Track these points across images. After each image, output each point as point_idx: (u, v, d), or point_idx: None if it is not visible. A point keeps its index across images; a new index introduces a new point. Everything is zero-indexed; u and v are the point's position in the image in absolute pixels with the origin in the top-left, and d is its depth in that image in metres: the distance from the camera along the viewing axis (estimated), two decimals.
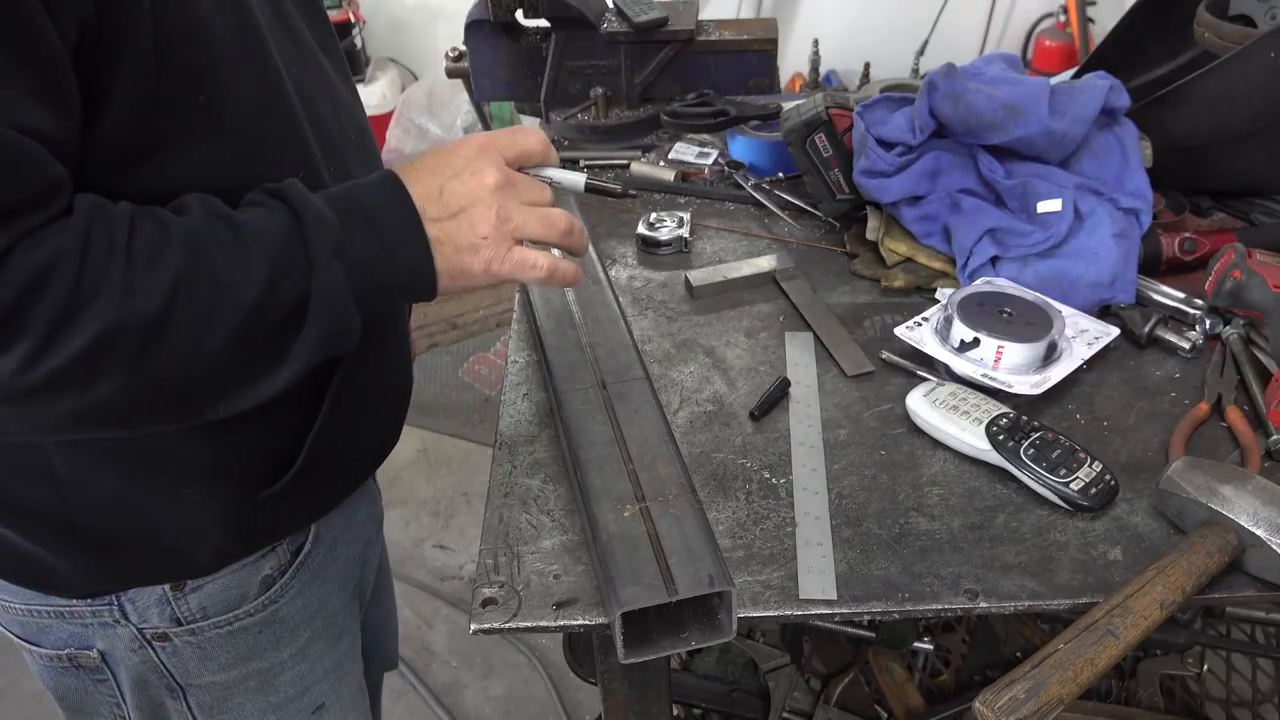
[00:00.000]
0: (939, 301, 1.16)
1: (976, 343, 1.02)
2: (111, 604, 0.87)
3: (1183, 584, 0.79)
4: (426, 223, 0.73)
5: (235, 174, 0.73)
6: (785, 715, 1.37)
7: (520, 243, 0.78)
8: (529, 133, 0.81)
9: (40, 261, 0.60)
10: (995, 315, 1.04)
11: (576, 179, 0.85)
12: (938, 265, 1.21)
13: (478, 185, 0.75)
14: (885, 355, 1.09)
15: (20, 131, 0.59)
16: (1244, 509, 0.82)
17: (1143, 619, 0.76)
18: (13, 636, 0.93)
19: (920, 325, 1.08)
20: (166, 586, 0.87)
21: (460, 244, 0.75)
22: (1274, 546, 0.80)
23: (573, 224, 0.81)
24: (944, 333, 1.06)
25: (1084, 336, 1.07)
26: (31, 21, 0.58)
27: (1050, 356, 1.03)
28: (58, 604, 0.88)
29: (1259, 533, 0.80)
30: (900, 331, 1.08)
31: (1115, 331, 1.08)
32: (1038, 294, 1.08)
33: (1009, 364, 1.01)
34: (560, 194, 0.86)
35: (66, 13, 0.60)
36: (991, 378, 1.01)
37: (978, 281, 1.15)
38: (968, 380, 1.02)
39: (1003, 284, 1.13)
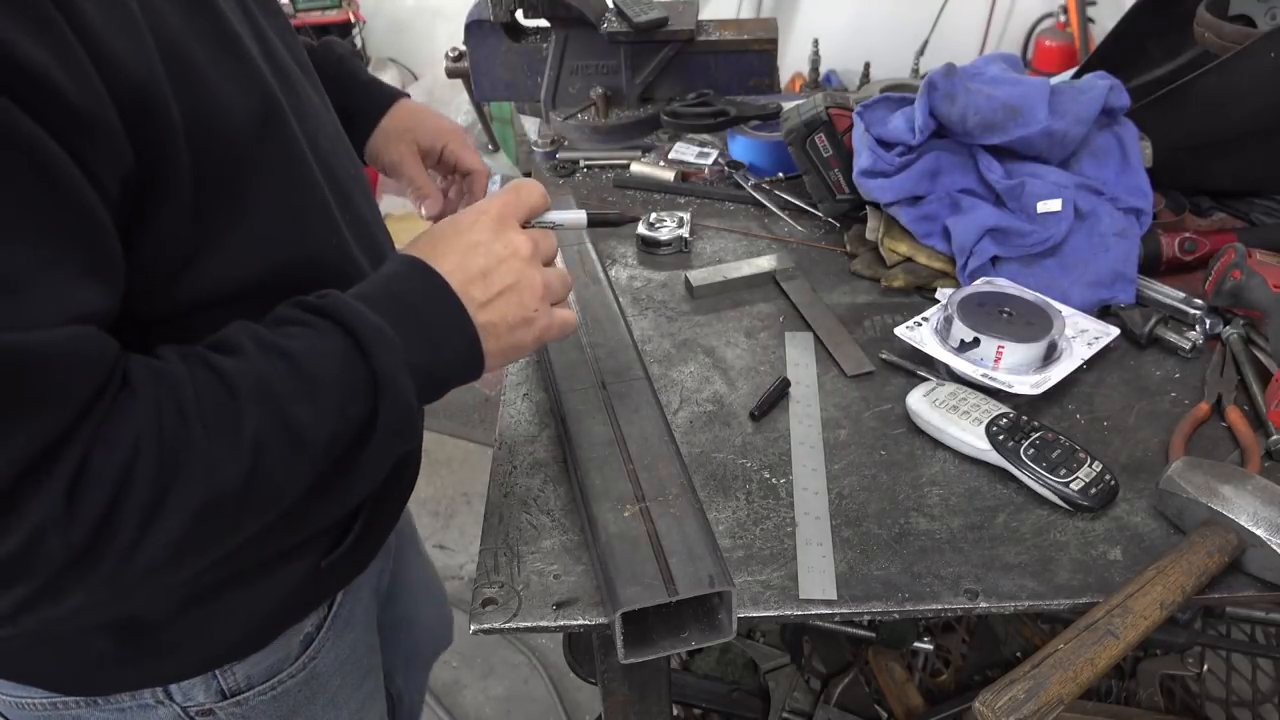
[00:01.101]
0: (939, 301, 1.16)
1: (976, 343, 1.02)
2: (155, 688, 0.84)
3: (1183, 584, 0.79)
4: (473, 309, 0.72)
5: (266, 255, 0.71)
6: (785, 715, 1.37)
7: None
8: (529, 186, 0.80)
9: (122, 458, 0.57)
10: (995, 315, 1.04)
11: (579, 217, 0.86)
12: (938, 265, 1.21)
13: (517, 261, 0.74)
14: (885, 355, 1.09)
15: (76, 320, 0.56)
16: (1244, 509, 0.82)
17: (1143, 619, 0.76)
18: None
19: (920, 325, 1.08)
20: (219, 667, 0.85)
21: (513, 322, 0.74)
22: (1274, 546, 0.80)
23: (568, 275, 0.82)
24: (944, 333, 1.06)
25: (1084, 336, 1.07)
26: (75, 197, 0.55)
27: (1050, 356, 1.03)
28: (88, 697, 0.84)
29: (1259, 533, 0.81)
30: (900, 331, 1.08)
31: (1115, 331, 1.08)
32: (1037, 294, 1.08)
33: (1009, 364, 1.01)
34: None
35: (107, 175, 0.57)
36: (991, 378, 1.01)
37: (978, 281, 1.15)
38: (968, 380, 1.02)
39: (1003, 284, 1.13)
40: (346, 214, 0.81)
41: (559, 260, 0.83)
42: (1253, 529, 0.81)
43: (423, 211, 1.08)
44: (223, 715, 0.88)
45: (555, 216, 0.83)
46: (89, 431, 0.56)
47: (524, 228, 0.78)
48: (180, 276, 0.66)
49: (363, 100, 1.09)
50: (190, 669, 0.84)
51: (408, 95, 1.13)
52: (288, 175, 0.73)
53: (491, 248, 0.74)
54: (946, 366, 1.05)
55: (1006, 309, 1.05)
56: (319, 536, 0.84)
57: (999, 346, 1.01)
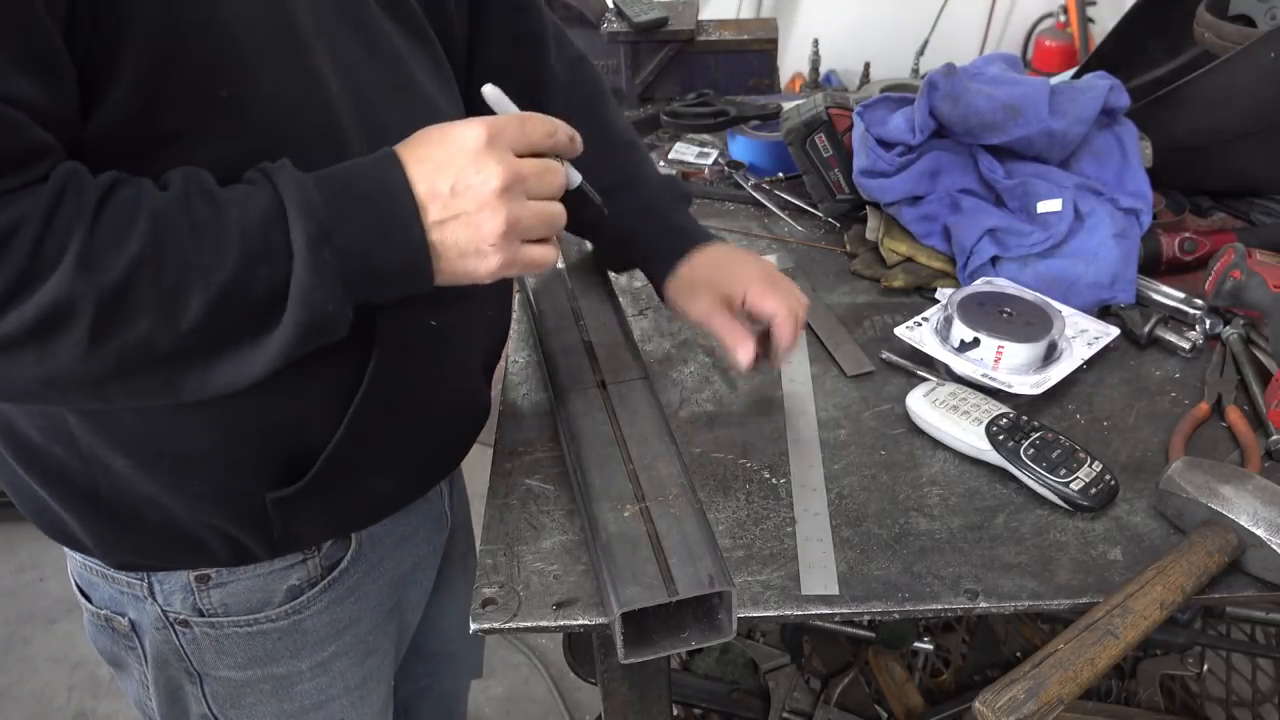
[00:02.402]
0: (939, 301, 1.17)
1: (976, 343, 1.02)
2: (142, 579, 0.88)
3: (1183, 584, 0.79)
4: (429, 224, 0.71)
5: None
6: (785, 715, 1.37)
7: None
8: (536, 121, 0.77)
9: (3, 226, 0.59)
10: (995, 315, 1.04)
11: (574, 176, 0.83)
12: (938, 265, 1.21)
13: (485, 190, 0.72)
14: (885, 355, 1.09)
15: (3, 100, 0.58)
16: (1244, 509, 0.82)
17: (1143, 619, 0.76)
18: (74, 586, 0.96)
19: (920, 325, 1.08)
20: (191, 577, 0.88)
21: (465, 249, 0.73)
22: (1274, 546, 0.80)
23: (563, 215, 0.79)
24: (944, 333, 1.06)
25: (1084, 336, 1.07)
26: None
27: (1050, 356, 1.03)
28: (100, 566, 0.89)
29: (1259, 533, 0.80)
30: (900, 331, 1.08)
31: (1115, 331, 1.08)
32: (1038, 294, 1.08)
33: (1009, 364, 1.01)
34: None
35: None
36: (991, 378, 1.01)
37: (978, 281, 1.15)
38: (968, 380, 1.02)
39: (1003, 284, 1.13)
40: None
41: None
42: (1253, 529, 0.81)
43: (742, 365, 0.98)
44: (198, 632, 0.90)
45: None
46: None
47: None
48: (153, 157, 0.67)
49: (664, 244, 1.05)
50: (153, 556, 0.87)
51: (717, 239, 1.06)
52: (302, 105, 0.73)
53: (464, 170, 0.72)
54: (946, 366, 1.05)
55: (1006, 309, 1.05)
56: (262, 463, 0.83)
57: (999, 346, 1.01)
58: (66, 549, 0.92)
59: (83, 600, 0.95)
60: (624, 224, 1.02)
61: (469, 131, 0.73)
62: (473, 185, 0.72)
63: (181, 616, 0.90)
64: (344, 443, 0.83)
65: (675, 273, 1.02)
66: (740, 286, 0.98)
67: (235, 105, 0.69)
